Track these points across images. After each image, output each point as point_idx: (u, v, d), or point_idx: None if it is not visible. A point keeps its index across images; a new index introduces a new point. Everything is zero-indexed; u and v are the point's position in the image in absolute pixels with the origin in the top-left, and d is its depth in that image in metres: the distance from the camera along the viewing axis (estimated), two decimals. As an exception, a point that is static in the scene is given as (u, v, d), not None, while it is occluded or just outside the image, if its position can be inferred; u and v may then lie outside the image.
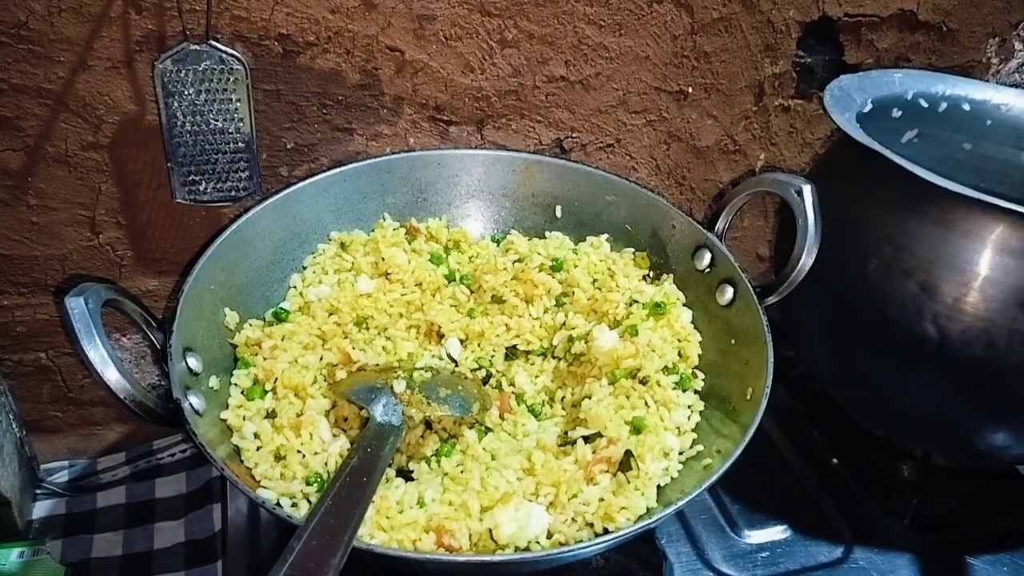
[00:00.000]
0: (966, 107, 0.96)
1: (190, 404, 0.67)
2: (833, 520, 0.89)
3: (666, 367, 0.80)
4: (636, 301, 0.85)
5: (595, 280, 0.88)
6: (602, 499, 0.69)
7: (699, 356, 0.83)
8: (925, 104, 0.95)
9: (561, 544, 0.67)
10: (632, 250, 0.92)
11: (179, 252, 0.89)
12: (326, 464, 0.70)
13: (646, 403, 0.76)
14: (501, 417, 0.79)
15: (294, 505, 0.67)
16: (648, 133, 0.99)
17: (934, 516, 0.90)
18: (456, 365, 0.83)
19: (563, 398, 0.81)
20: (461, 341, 0.84)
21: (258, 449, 0.70)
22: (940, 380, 0.76)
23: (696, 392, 0.81)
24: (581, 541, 0.67)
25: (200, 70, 0.74)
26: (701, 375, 0.81)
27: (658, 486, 0.72)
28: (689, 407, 0.79)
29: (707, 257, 0.86)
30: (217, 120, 0.76)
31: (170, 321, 0.71)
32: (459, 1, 0.84)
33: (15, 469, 0.89)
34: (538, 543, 0.67)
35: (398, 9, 0.82)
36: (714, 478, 0.66)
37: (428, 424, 0.76)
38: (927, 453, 0.93)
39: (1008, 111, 0.96)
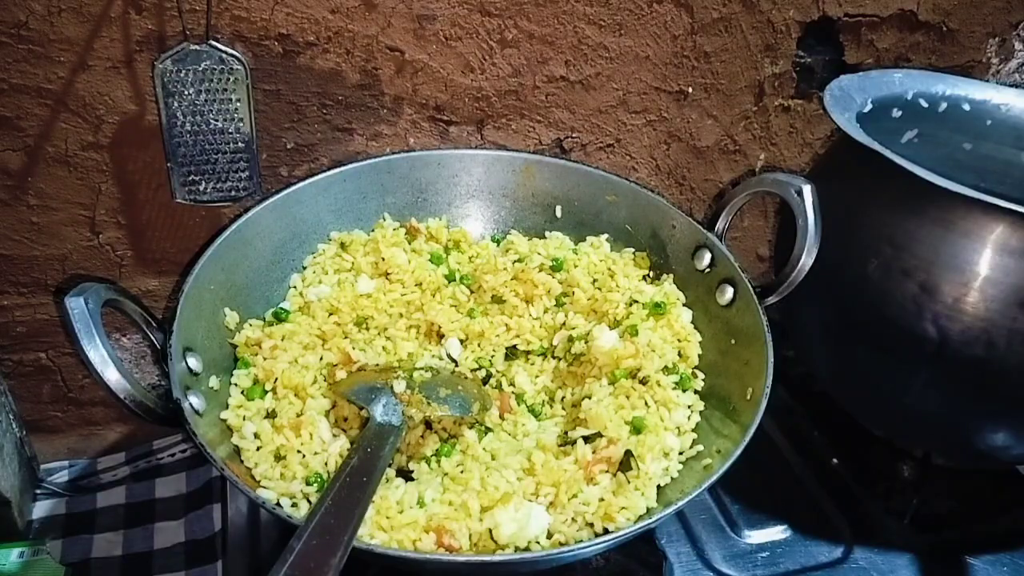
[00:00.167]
0: (966, 107, 0.96)
1: (190, 404, 0.67)
2: (833, 520, 0.89)
3: (666, 367, 0.80)
4: (636, 301, 0.85)
5: (595, 280, 0.88)
6: (602, 499, 0.69)
7: (699, 356, 0.83)
8: (925, 104, 0.94)
9: (561, 544, 0.67)
10: (632, 250, 0.92)
11: (179, 252, 0.89)
12: (326, 464, 0.70)
13: (646, 403, 0.76)
14: (501, 417, 0.79)
15: (294, 505, 0.67)
16: (648, 133, 0.99)
17: (934, 516, 0.90)
18: (456, 365, 0.83)
19: (563, 398, 0.81)
20: (461, 341, 0.84)
21: (258, 449, 0.70)
22: (940, 380, 0.76)
23: (696, 392, 0.81)
24: (581, 541, 0.67)
25: (200, 70, 0.74)
26: (701, 375, 0.81)
27: (658, 486, 0.72)
28: (689, 407, 0.79)
29: (707, 257, 0.86)
30: (217, 120, 0.76)
31: (170, 321, 0.71)
32: (459, 1, 0.84)
33: (15, 469, 0.89)
34: (538, 543, 0.67)
35: (398, 9, 0.82)
36: (714, 478, 0.66)
37: (428, 424, 0.76)
38: (927, 453, 0.93)
39: (1008, 111, 0.96)
